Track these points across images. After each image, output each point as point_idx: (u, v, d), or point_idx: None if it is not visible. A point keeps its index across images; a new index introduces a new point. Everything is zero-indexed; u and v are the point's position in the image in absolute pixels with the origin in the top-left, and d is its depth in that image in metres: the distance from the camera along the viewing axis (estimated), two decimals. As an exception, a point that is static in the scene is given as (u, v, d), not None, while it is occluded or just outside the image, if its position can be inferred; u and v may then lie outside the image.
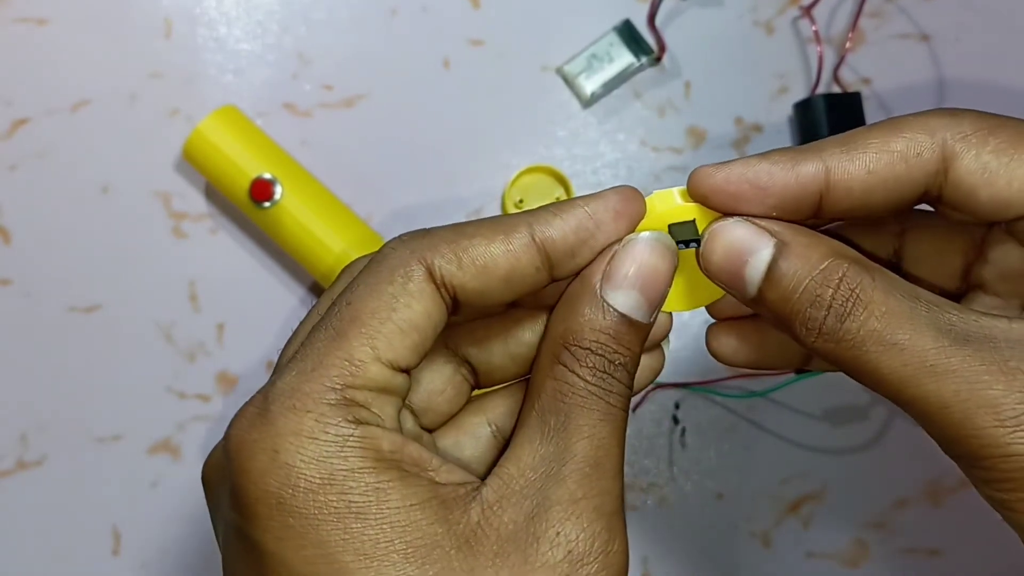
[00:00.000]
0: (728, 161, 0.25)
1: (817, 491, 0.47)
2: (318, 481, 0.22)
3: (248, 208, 0.45)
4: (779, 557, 0.47)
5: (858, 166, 0.24)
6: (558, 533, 0.22)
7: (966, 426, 0.21)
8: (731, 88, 0.50)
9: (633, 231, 0.25)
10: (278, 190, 0.45)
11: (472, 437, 0.27)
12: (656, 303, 0.25)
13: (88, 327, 0.47)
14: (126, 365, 0.47)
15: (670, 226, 0.26)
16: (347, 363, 0.23)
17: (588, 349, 0.24)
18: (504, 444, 0.27)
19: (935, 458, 0.24)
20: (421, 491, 0.22)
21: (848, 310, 0.23)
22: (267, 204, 0.45)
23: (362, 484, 0.22)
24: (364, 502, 0.22)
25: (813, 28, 0.49)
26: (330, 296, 0.26)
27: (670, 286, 0.25)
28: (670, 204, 0.26)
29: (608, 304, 0.24)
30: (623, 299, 0.24)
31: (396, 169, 0.49)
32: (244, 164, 0.45)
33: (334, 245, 0.45)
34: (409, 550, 0.22)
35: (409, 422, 0.27)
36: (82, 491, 0.47)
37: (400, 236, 0.25)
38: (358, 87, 0.49)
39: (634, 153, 0.49)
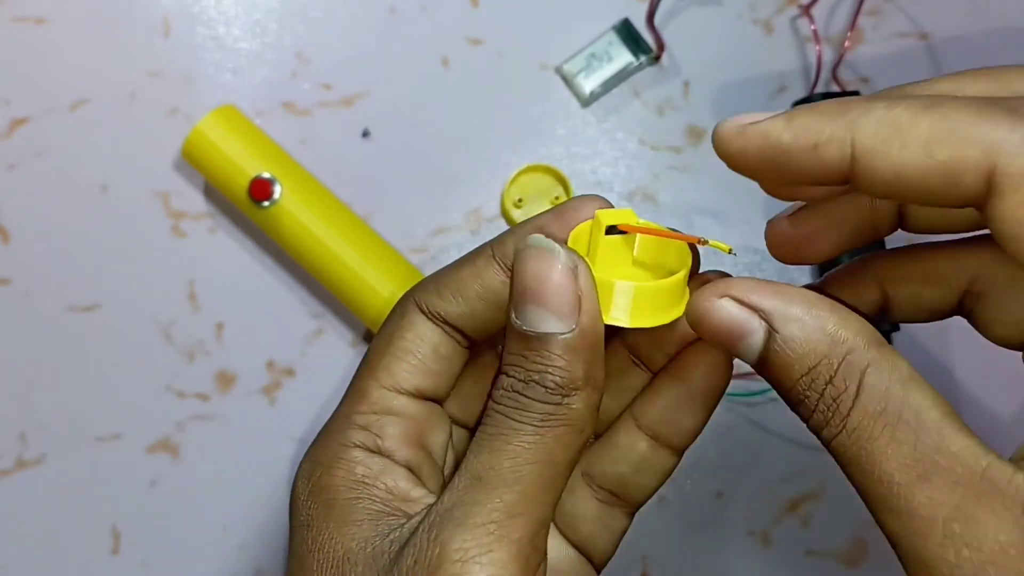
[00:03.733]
0: (749, 124, 0.23)
1: (816, 489, 0.47)
2: (318, 488, 0.25)
3: (247, 207, 0.45)
4: (778, 555, 0.47)
5: (888, 165, 0.20)
6: (420, 542, 0.23)
7: (895, 543, 0.21)
8: (730, 87, 0.50)
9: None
10: (277, 189, 0.45)
11: None
12: (564, 310, 0.23)
13: (87, 326, 0.47)
14: (125, 364, 0.47)
15: (609, 227, 0.25)
16: (358, 392, 0.27)
17: (503, 373, 0.24)
18: None
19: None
20: (364, 515, 0.25)
21: (828, 419, 0.22)
22: (266, 203, 0.45)
23: (335, 498, 0.25)
24: (317, 514, 0.25)
25: (812, 27, 0.49)
26: None
27: (570, 285, 0.23)
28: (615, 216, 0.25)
29: (516, 323, 0.23)
30: (526, 315, 0.23)
31: (395, 168, 0.49)
32: (243, 163, 0.45)
33: (333, 244, 0.45)
34: (330, 563, 0.24)
35: (458, 436, 0.29)
36: (81, 490, 0.47)
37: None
38: (357, 86, 0.49)
39: (633, 152, 0.49)
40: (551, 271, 0.23)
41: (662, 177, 0.49)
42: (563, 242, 0.24)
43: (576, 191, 0.48)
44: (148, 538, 0.47)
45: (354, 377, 0.27)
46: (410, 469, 0.26)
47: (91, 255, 0.48)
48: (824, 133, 0.21)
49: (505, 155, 0.49)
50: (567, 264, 0.23)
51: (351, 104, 0.49)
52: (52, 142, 0.48)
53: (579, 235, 0.25)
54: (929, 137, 0.20)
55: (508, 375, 0.23)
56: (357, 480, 0.25)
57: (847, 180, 0.21)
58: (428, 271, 0.48)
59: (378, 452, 0.26)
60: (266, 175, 0.45)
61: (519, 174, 0.48)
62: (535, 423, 0.23)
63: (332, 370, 0.47)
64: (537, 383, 0.23)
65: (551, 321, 0.23)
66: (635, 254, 0.26)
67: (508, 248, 0.26)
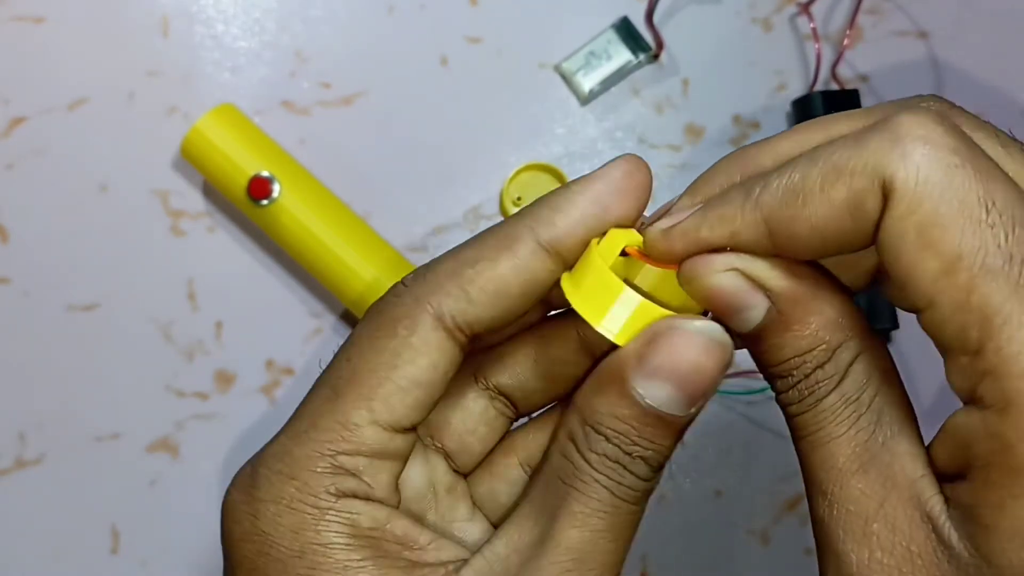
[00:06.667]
0: (670, 227, 0.22)
1: (816, 488, 0.47)
2: (288, 553, 0.21)
3: (246, 206, 0.45)
4: (777, 554, 0.47)
5: (803, 225, 0.20)
6: None
7: (816, 530, 0.22)
8: (729, 85, 0.50)
9: (643, 206, 0.23)
10: (276, 188, 0.45)
11: (505, 482, 0.26)
12: (697, 399, 0.22)
13: (86, 325, 0.47)
14: (124, 363, 0.47)
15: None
16: (341, 427, 0.22)
17: (603, 436, 0.22)
18: None
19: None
20: (394, 573, 0.22)
21: (803, 397, 0.22)
22: (265, 202, 0.45)
23: (331, 560, 0.21)
24: None
25: (811, 25, 0.49)
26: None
27: (718, 383, 0.22)
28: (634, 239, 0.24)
29: (638, 394, 0.21)
30: (655, 391, 0.21)
31: (394, 167, 0.49)
32: (242, 162, 0.45)
33: (332, 243, 0.45)
34: None
35: (440, 470, 0.25)
36: (81, 490, 0.47)
37: (403, 280, 0.23)
38: (356, 85, 0.49)
39: (632, 150, 0.49)
40: (712, 367, 0.21)
41: (661, 175, 0.49)
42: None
43: (575, 190, 0.48)
44: (148, 538, 0.47)
45: (334, 394, 0.22)
46: (406, 510, 0.24)
47: (90, 254, 0.48)
48: (737, 220, 0.21)
49: (504, 153, 0.49)
50: (726, 360, 0.21)
51: (350, 103, 0.49)
52: (51, 141, 0.48)
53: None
54: (823, 183, 0.20)
55: (609, 440, 0.21)
56: (361, 534, 0.22)
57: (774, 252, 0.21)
58: (427, 270, 0.48)
59: (374, 500, 0.23)
60: (265, 174, 0.45)
61: (518, 172, 0.48)
62: (634, 502, 0.22)
63: (331, 369, 0.47)
64: (644, 460, 0.22)
65: (681, 406, 0.21)
66: (638, 279, 0.25)
67: (558, 230, 0.22)
